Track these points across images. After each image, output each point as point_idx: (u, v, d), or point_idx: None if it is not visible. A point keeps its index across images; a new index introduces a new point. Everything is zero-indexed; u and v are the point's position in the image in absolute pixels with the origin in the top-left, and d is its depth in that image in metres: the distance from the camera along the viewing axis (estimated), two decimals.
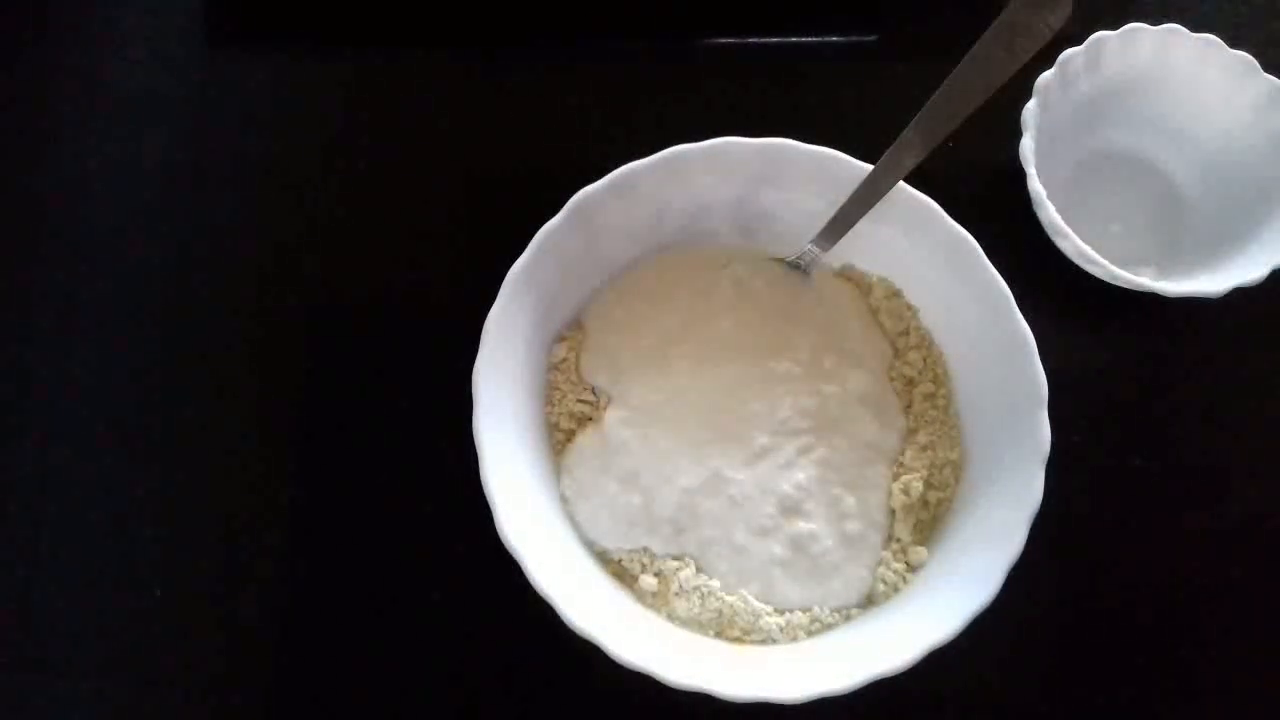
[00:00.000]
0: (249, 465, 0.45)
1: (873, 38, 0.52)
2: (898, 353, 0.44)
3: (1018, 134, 0.44)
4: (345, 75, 0.51)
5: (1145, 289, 0.43)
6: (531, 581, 0.37)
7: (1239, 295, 0.42)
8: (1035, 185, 0.44)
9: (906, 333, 0.44)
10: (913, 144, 0.41)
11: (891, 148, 0.41)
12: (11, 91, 0.51)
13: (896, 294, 0.45)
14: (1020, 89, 0.43)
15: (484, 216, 0.49)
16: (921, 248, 0.43)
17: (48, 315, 0.47)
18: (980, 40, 0.39)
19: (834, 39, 0.52)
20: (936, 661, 0.37)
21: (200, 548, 0.44)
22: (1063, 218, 0.43)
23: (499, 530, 0.38)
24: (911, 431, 0.43)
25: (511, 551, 0.37)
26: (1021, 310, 0.40)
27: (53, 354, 0.46)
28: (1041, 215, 0.44)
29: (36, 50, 0.51)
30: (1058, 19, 0.39)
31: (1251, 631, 0.44)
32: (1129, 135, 0.49)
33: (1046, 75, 0.44)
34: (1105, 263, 0.43)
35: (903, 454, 0.43)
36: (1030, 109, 0.44)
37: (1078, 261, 0.44)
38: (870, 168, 0.42)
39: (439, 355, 0.42)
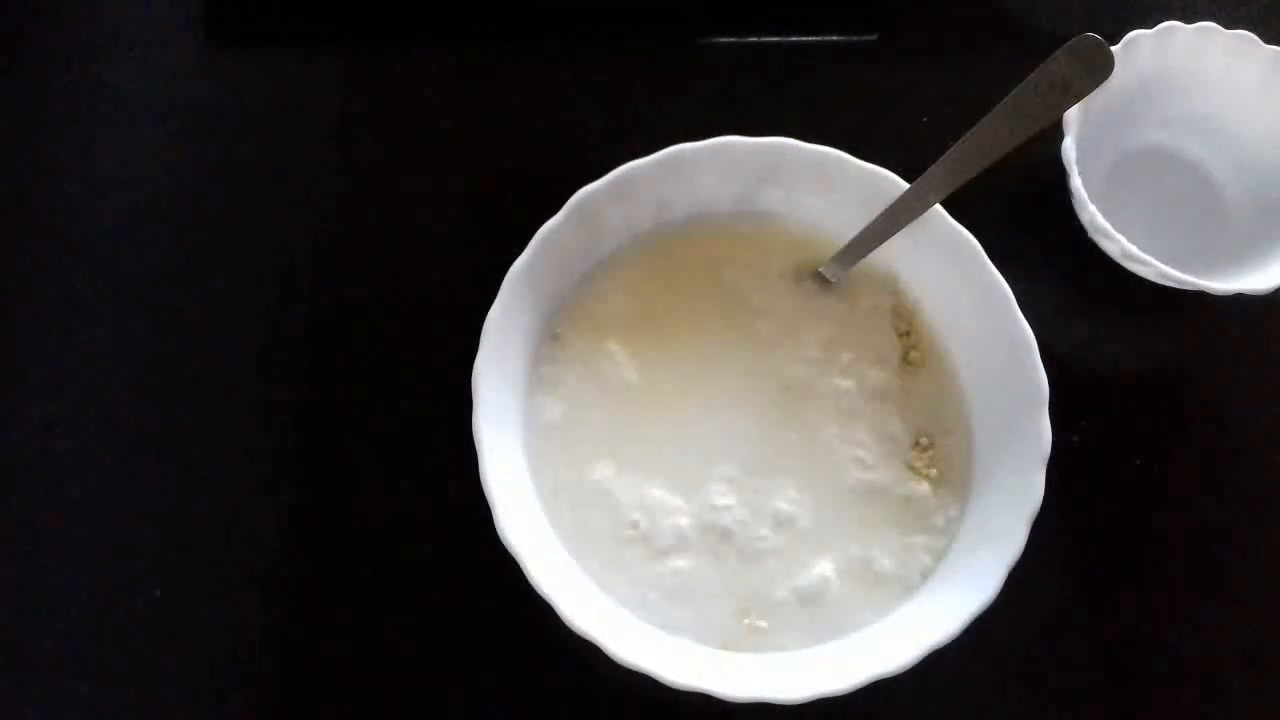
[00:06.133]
0: (249, 465, 0.45)
1: (873, 38, 0.52)
2: (902, 353, 0.44)
3: (1052, 134, 0.43)
4: (345, 75, 0.51)
5: (1195, 288, 0.42)
6: (531, 581, 0.37)
7: (1242, 296, 0.42)
8: (1078, 186, 0.43)
9: (907, 333, 0.44)
10: (937, 182, 0.40)
11: (915, 183, 0.41)
12: (11, 91, 0.51)
13: (897, 293, 0.45)
14: None
15: (484, 216, 0.49)
16: (922, 247, 0.43)
17: (47, 315, 0.47)
18: (1017, 88, 0.39)
19: (834, 39, 0.52)
20: (936, 661, 0.36)
21: (200, 548, 0.44)
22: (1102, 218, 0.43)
23: (499, 530, 0.38)
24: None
25: (511, 551, 0.37)
26: (1026, 309, 0.40)
27: (52, 353, 0.46)
28: (1083, 216, 0.44)
29: (36, 50, 0.51)
30: (1097, 79, 0.38)
31: (1252, 632, 0.44)
32: (1164, 133, 0.48)
33: None
34: (1155, 262, 0.42)
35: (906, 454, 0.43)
36: (1072, 111, 0.43)
37: (1122, 262, 0.44)
38: (871, 167, 0.42)
39: (439, 355, 0.42)
